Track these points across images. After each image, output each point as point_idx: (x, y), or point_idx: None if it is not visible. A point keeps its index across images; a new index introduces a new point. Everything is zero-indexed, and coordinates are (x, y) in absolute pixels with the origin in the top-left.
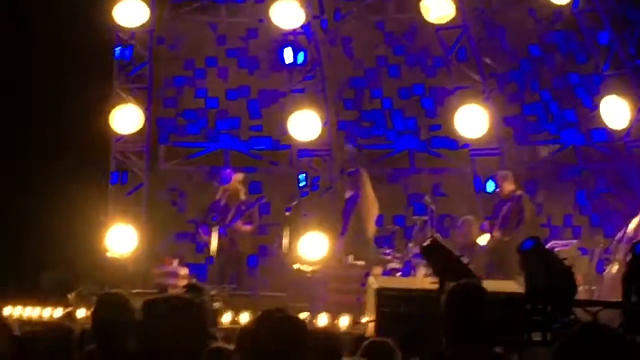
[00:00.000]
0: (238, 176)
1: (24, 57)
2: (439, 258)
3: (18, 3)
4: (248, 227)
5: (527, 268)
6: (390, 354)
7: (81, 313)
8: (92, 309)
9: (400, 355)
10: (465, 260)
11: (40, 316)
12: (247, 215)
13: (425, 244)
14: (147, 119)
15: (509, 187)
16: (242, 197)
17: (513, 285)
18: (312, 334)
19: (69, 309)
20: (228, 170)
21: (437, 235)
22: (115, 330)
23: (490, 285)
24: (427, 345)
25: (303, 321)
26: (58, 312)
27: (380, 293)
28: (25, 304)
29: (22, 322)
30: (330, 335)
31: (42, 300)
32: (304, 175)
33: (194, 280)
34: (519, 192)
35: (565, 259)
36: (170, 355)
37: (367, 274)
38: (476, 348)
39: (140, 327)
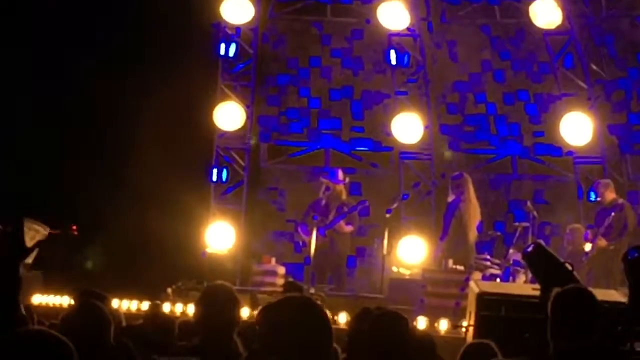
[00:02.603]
0: (346, 178)
1: (133, 49)
2: (542, 264)
3: None
4: (349, 228)
5: (632, 277)
6: (492, 356)
7: (178, 308)
8: (198, 300)
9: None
10: (569, 267)
11: (138, 309)
12: (349, 216)
13: (528, 249)
14: (249, 117)
15: (610, 195)
16: (344, 198)
17: (616, 295)
18: (413, 334)
19: (157, 302)
20: (337, 170)
21: (541, 241)
22: (222, 324)
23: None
24: (528, 349)
25: (405, 319)
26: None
27: (482, 297)
28: (124, 297)
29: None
30: (429, 336)
31: (142, 294)
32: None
33: (291, 279)
34: (620, 201)
35: None
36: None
37: (467, 279)
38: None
39: (260, 334)
